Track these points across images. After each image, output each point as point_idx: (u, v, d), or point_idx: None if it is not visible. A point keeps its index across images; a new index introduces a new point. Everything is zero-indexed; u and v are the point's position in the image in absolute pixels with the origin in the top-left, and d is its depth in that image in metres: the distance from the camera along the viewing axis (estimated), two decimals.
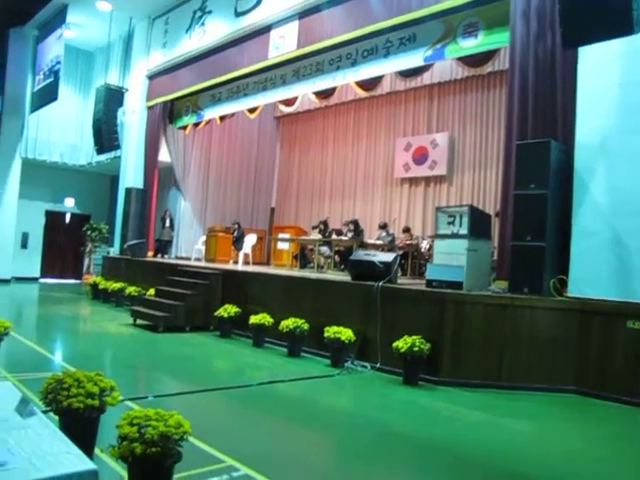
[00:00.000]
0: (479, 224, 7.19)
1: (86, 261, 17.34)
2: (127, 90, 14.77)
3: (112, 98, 14.25)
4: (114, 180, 17.02)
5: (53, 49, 14.96)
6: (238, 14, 11.48)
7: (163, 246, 14.65)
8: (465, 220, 7.00)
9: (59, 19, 14.63)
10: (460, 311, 6.36)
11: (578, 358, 6.05)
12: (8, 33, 15.88)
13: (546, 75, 6.81)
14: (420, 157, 13.11)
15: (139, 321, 9.36)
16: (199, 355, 7.53)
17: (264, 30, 10.92)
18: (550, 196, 6.30)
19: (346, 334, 6.89)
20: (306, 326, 7.45)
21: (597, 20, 5.15)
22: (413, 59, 8.90)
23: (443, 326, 6.35)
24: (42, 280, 17.24)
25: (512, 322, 6.20)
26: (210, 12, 12.39)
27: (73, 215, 18.43)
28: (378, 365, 6.75)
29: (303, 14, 10.17)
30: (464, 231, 6.97)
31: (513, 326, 6.19)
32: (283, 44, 10.53)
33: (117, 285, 12.03)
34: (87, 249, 17.24)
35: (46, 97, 15.04)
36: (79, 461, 2.04)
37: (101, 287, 12.58)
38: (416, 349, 6.07)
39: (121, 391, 3.63)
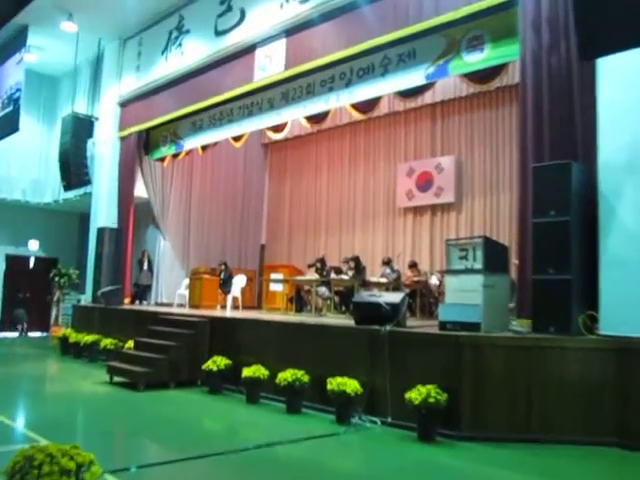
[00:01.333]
0: (495, 257, 7.21)
1: (54, 311, 17.22)
2: (97, 119, 14.93)
3: (80, 128, 14.40)
4: (84, 219, 17.03)
5: (12, 75, 15.11)
6: (219, 33, 11.68)
7: (141, 292, 14.60)
8: (479, 253, 7.02)
9: (19, 41, 14.78)
10: (479, 355, 6.31)
11: (619, 405, 5.96)
12: None
13: (562, 90, 6.91)
14: (424, 183, 13.21)
15: (116, 378, 9.23)
16: (186, 415, 7.40)
17: (248, 50, 11.09)
18: (573, 223, 6.33)
19: (352, 386, 6.81)
20: (306, 378, 7.37)
21: (618, 27, 5.18)
22: (414, 77, 9.05)
23: (461, 373, 6.28)
24: (1, 334, 17.04)
25: (539, 366, 6.15)
26: (188, 32, 12.60)
27: (38, 259, 18.39)
28: (389, 420, 6.66)
29: (290, 31, 10.34)
30: (478, 265, 6.98)
31: (540, 370, 6.14)
32: (269, 65, 10.68)
33: (90, 338, 11.90)
34: (55, 297, 17.15)
35: (5, 128, 15.15)
36: None
37: (71, 340, 12.43)
38: (432, 400, 6.00)
39: (99, 463, 3.54)
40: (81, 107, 15.46)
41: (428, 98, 12.41)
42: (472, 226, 12.41)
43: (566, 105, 6.89)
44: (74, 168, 14.18)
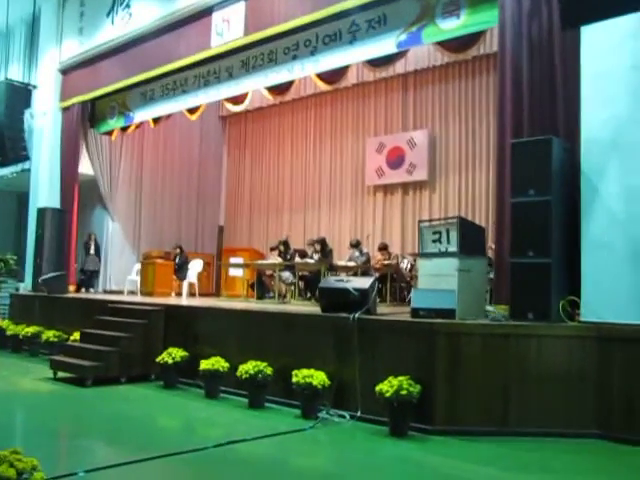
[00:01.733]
0: (471, 239, 7.29)
1: None
2: (35, 87, 14.60)
3: (16, 97, 14.06)
4: (22, 199, 16.70)
5: None
6: None
7: (88, 278, 14.42)
8: (454, 235, 7.11)
9: None
10: (454, 344, 6.39)
11: (600, 395, 6.11)
12: None
13: (543, 60, 6.99)
14: (395, 160, 13.28)
15: (61, 374, 9.11)
16: (139, 413, 7.36)
17: (204, 13, 10.96)
18: (554, 203, 6.42)
19: (319, 378, 6.84)
20: (269, 370, 7.38)
21: None
22: (384, 45, 9.03)
23: (435, 363, 6.36)
24: None
25: (517, 355, 6.26)
26: None
27: None
28: (359, 414, 6.71)
29: None
30: (453, 248, 7.07)
31: (518, 359, 6.25)
32: (227, 30, 10.57)
33: (30, 329, 11.73)
34: None
35: None
36: None
37: (9, 333, 12.24)
38: (404, 392, 6.06)
39: (43, 469, 3.51)
40: (16, 73, 15.13)
41: (400, 68, 12.44)
42: (446, 206, 12.54)
43: (547, 76, 6.96)
44: (9, 142, 13.85)
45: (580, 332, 6.24)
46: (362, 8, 9.01)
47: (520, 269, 6.56)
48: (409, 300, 8.42)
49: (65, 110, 14.42)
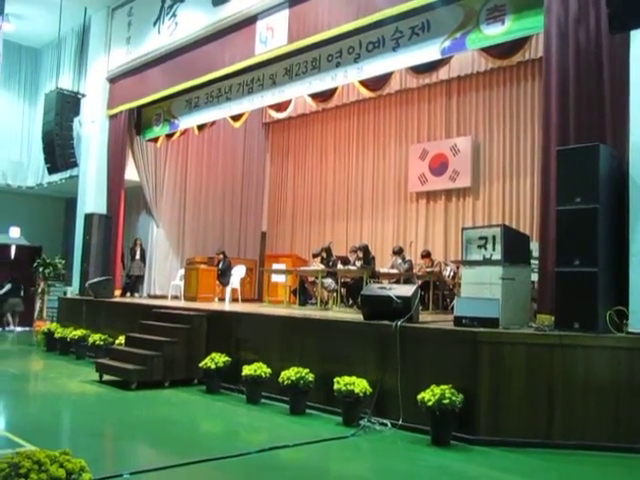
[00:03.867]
0: (515, 247, 7.23)
1: (38, 304, 17.27)
2: (84, 96, 14.92)
3: (66, 105, 14.37)
4: (70, 204, 17.07)
5: None
6: (216, 2, 11.62)
7: (133, 283, 14.65)
8: (498, 243, 7.04)
9: None
10: (497, 354, 6.34)
11: None
12: None
13: (590, 65, 6.87)
14: (439, 167, 13.19)
15: (106, 377, 9.29)
16: (182, 417, 7.46)
17: (248, 21, 11.05)
18: (601, 211, 6.31)
19: (360, 385, 6.85)
20: (311, 377, 7.40)
21: None
22: (428, 52, 8.99)
23: (478, 372, 6.31)
24: None
25: (562, 365, 6.17)
26: (182, 1, 12.53)
27: (20, 248, 18.41)
28: (400, 422, 6.69)
29: (294, 1, 10.30)
30: (497, 256, 7.01)
31: (564, 370, 6.16)
32: (271, 38, 10.65)
33: (77, 333, 11.98)
34: (39, 289, 17.19)
35: None
36: None
37: (57, 336, 12.52)
38: (446, 402, 6.03)
39: (90, 469, 3.58)
40: (66, 82, 15.46)
41: (443, 74, 12.36)
42: (490, 213, 12.39)
43: (594, 82, 6.85)
44: (59, 149, 14.17)
45: (628, 343, 6.11)
46: (405, 15, 8.98)
47: (566, 278, 6.45)
48: (452, 308, 8.36)
49: (112, 118, 14.69)
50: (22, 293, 17.62)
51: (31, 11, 15.29)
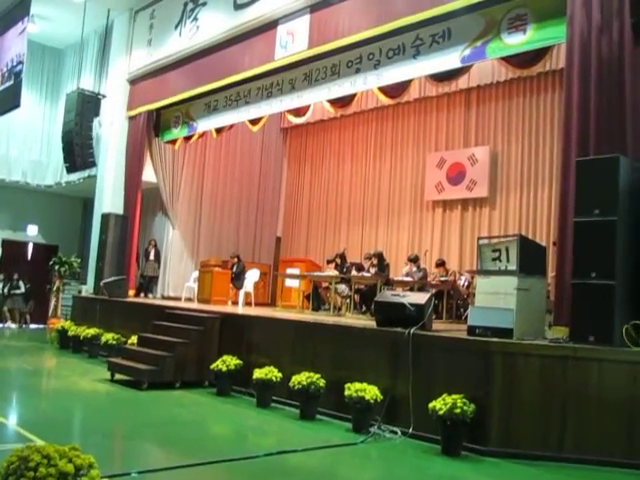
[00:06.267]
0: (531, 258, 7.15)
1: (53, 302, 17.35)
2: (104, 97, 15.00)
3: (86, 106, 14.45)
4: (88, 204, 17.19)
5: (14, 46, 15.12)
6: (238, 6, 11.68)
7: (147, 283, 14.68)
8: (513, 253, 6.98)
9: (21, 10, 14.77)
10: (510, 364, 6.27)
11: None
12: None
13: (612, 76, 6.80)
14: (456, 176, 13.15)
15: (118, 376, 9.30)
16: (192, 418, 7.46)
17: (269, 26, 11.09)
18: (619, 223, 6.23)
19: (371, 392, 6.80)
20: (322, 382, 7.37)
21: None
22: (448, 60, 8.96)
23: (490, 383, 6.26)
24: None
25: (576, 378, 6.08)
26: (204, 4, 12.62)
27: (37, 246, 18.58)
28: (410, 430, 6.63)
29: (315, 6, 10.32)
30: (513, 266, 6.94)
31: (578, 383, 6.07)
32: (292, 43, 10.67)
33: (91, 331, 12.01)
34: (54, 287, 17.29)
35: (5, 103, 15.23)
36: None
37: (71, 334, 12.56)
38: (457, 411, 5.97)
39: (98, 466, 3.56)
40: (87, 83, 15.57)
41: (463, 83, 12.33)
42: (506, 223, 12.34)
43: (616, 93, 6.78)
44: (78, 149, 14.25)
45: None
46: (426, 22, 8.95)
47: (582, 290, 6.37)
48: (466, 317, 8.30)
49: (131, 119, 14.78)
50: (23, 290, 17.72)
51: (55, 12, 15.42)
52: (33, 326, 17.57)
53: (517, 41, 8.18)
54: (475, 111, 13.19)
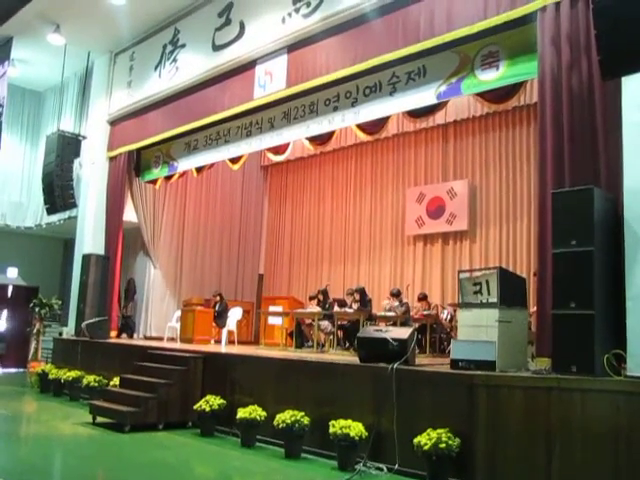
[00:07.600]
0: (511, 290, 7.21)
1: (33, 345, 17.03)
2: (85, 138, 14.99)
3: (66, 147, 14.43)
4: (68, 245, 17.08)
5: None
6: (217, 48, 11.82)
7: (126, 323, 14.57)
8: (494, 286, 7.03)
9: (2, 54, 14.86)
10: (494, 397, 6.26)
11: None
12: None
13: (583, 111, 6.95)
14: (436, 210, 13.25)
15: (100, 419, 9.18)
16: (176, 460, 7.35)
17: (247, 66, 11.21)
18: (596, 254, 6.29)
19: (356, 429, 6.76)
20: (306, 420, 7.33)
21: None
22: (424, 96, 9.11)
23: (474, 416, 6.25)
24: None
25: (560, 409, 6.06)
26: (183, 46, 12.76)
27: (17, 288, 18.36)
28: (396, 467, 6.59)
29: (293, 47, 10.47)
30: (494, 299, 6.99)
31: (562, 414, 6.05)
32: (270, 82, 10.79)
33: (72, 374, 11.85)
34: (34, 330, 17.02)
35: None
36: None
37: (52, 377, 12.38)
38: (442, 446, 5.96)
39: None
40: (67, 125, 15.58)
41: (439, 118, 12.51)
42: (487, 256, 12.42)
43: (588, 127, 6.92)
44: (59, 190, 14.19)
45: (627, 387, 5.98)
46: (402, 60, 9.11)
47: (562, 321, 6.40)
48: (449, 351, 8.30)
49: (112, 159, 14.78)
50: None
51: (36, 56, 15.48)
52: (11, 370, 17.27)
53: (491, 77, 8.35)
54: (453, 145, 13.36)
